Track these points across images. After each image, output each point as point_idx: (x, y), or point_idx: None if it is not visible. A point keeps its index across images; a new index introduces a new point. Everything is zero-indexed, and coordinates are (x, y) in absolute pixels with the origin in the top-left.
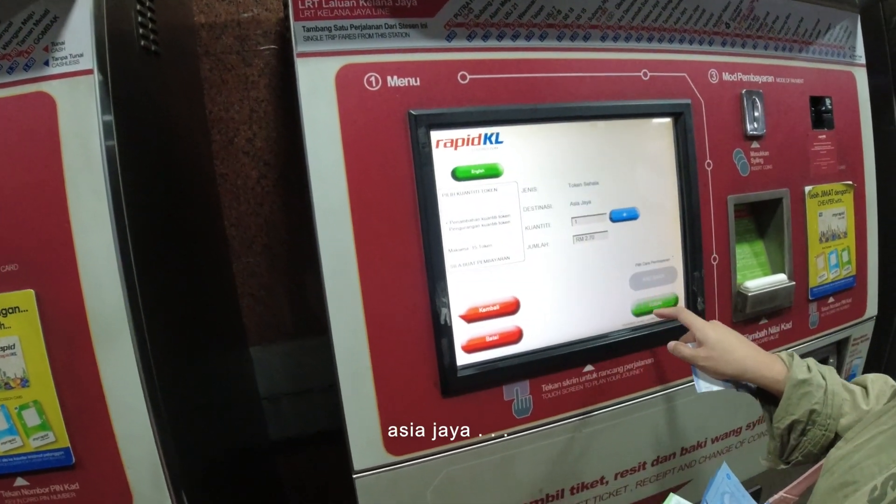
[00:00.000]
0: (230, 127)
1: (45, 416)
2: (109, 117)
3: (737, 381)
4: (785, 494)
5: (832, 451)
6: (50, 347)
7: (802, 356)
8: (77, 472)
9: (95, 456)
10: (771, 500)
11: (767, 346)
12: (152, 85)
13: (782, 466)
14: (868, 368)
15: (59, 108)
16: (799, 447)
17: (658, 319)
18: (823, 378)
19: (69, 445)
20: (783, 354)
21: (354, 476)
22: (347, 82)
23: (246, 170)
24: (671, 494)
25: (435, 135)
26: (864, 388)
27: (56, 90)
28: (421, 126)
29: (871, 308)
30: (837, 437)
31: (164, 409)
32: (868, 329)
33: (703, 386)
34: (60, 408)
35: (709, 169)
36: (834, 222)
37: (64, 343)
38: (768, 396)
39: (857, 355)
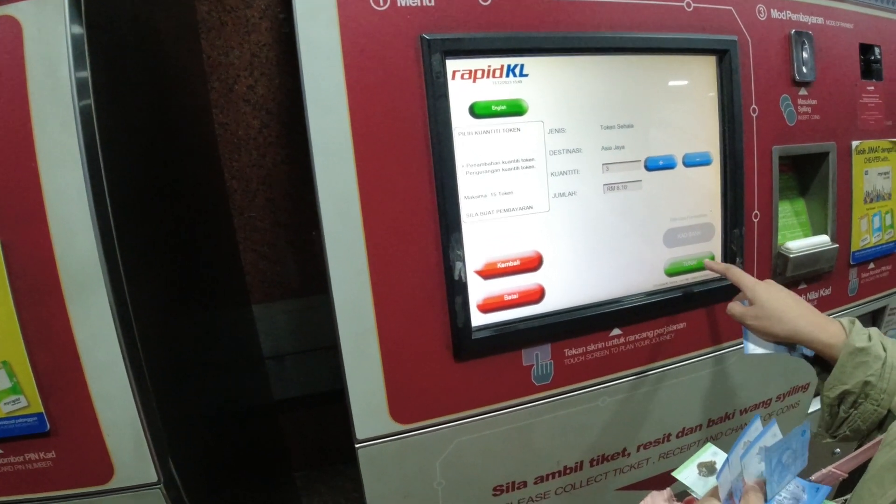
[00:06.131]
0: (230, 73)
1: (15, 379)
2: (81, 43)
3: (790, 345)
4: (833, 469)
5: (893, 425)
6: (18, 302)
7: None
8: (52, 440)
9: (72, 421)
10: (817, 474)
11: None
12: (139, 12)
13: (828, 440)
14: None
15: (24, 32)
16: (848, 420)
17: (692, 280)
18: (884, 350)
19: (43, 411)
20: (844, 320)
21: (357, 445)
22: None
23: (247, 119)
24: (708, 443)
25: (451, 64)
26: None
27: (22, 12)
28: (435, 52)
29: None
30: (890, 414)
31: (146, 370)
32: None
33: (752, 348)
34: (32, 369)
35: (754, 115)
36: (879, 182)
37: (33, 297)
38: (825, 364)
39: (893, 327)
